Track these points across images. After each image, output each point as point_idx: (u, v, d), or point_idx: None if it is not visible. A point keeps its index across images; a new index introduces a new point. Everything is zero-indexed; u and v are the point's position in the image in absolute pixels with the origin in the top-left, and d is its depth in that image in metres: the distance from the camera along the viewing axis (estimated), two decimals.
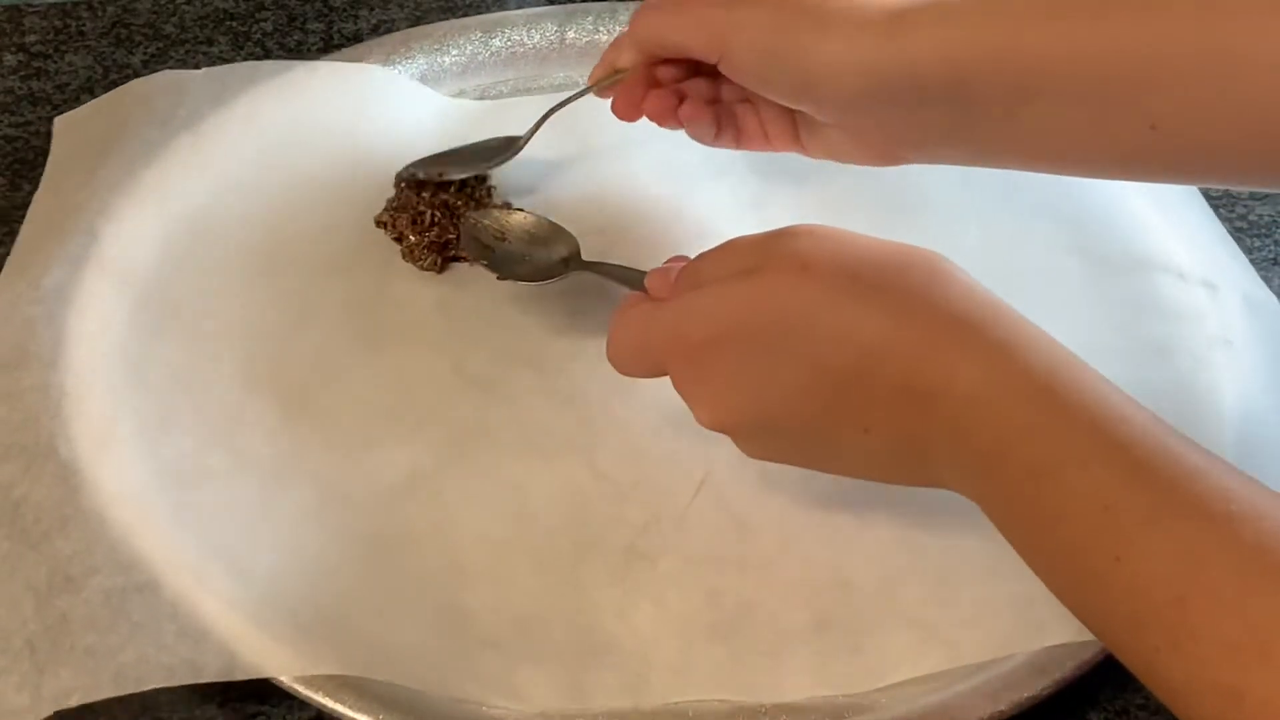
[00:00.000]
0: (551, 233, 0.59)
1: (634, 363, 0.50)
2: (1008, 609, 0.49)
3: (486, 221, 0.60)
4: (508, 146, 0.64)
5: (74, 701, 0.45)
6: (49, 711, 0.45)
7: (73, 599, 0.47)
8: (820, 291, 0.45)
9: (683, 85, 0.57)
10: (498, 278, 0.58)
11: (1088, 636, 0.46)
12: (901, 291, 0.45)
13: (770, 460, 0.50)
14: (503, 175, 0.64)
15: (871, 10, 0.50)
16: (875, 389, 0.44)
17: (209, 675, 0.46)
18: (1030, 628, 0.48)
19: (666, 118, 0.57)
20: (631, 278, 0.53)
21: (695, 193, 0.65)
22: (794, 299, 0.45)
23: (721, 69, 0.54)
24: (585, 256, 0.58)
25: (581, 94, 0.61)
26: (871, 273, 0.45)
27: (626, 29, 0.58)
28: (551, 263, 0.58)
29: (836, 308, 0.45)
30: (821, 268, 0.45)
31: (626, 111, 0.57)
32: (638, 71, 0.57)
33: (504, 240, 0.59)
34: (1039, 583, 0.47)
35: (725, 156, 0.65)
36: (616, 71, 0.58)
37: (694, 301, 0.48)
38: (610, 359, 0.51)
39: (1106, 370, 0.44)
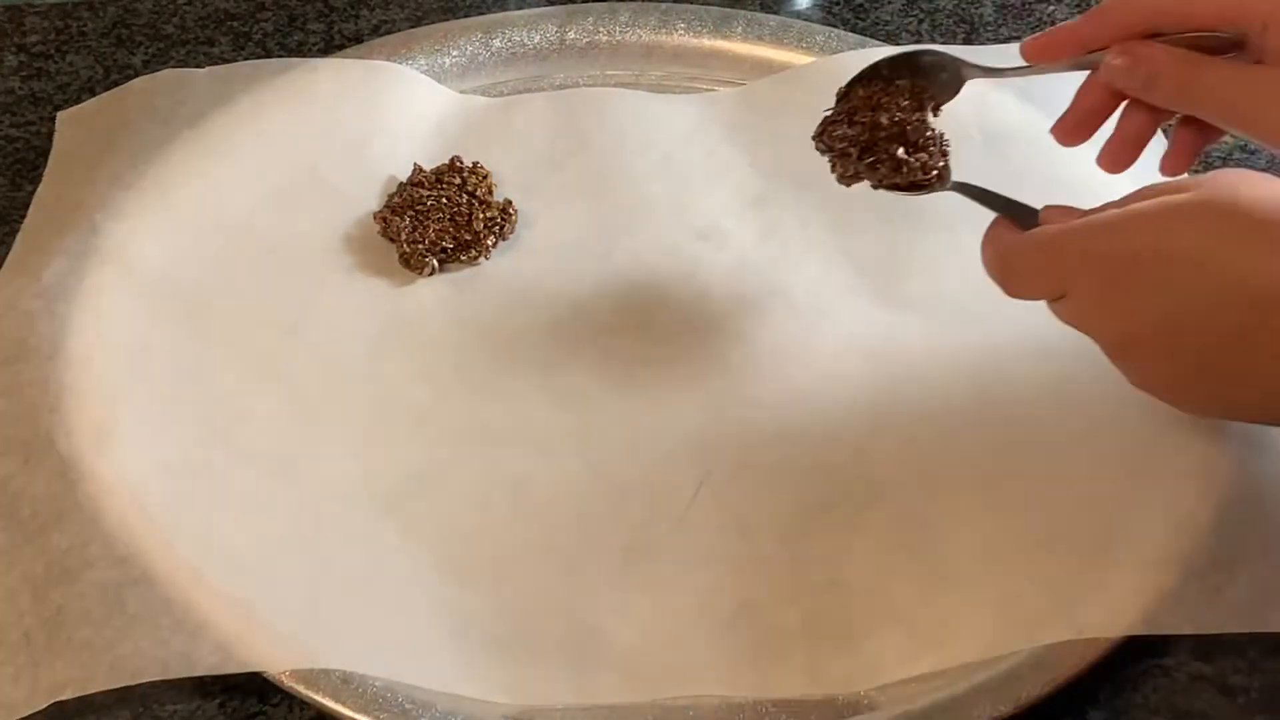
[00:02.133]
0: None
1: (1036, 279, 0.50)
2: (999, 610, 0.49)
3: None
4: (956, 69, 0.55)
5: (69, 693, 0.45)
6: (44, 703, 0.45)
7: (68, 591, 0.47)
8: (1249, 215, 0.45)
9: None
10: (873, 185, 0.54)
11: (1076, 635, 0.47)
12: None
13: (1158, 390, 0.49)
14: (500, 170, 0.64)
15: None
16: None
17: (203, 669, 0.45)
18: (1021, 628, 0.48)
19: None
20: (1021, 211, 0.51)
21: (695, 191, 0.65)
22: (1218, 225, 0.45)
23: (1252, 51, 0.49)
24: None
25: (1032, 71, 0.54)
26: None
27: None
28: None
29: (1266, 230, 0.44)
30: (1247, 201, 0.45)
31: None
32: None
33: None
34: (1031, 583, 0.48)
35: (726, 154, 0.65)
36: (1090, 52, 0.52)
37: (1116, 217, 0.47)
38: (1001, 277, 0.50)
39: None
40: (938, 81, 0.55)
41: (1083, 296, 0.48)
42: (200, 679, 0.46)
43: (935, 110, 0.55)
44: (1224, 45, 0.50)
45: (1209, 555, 0.48)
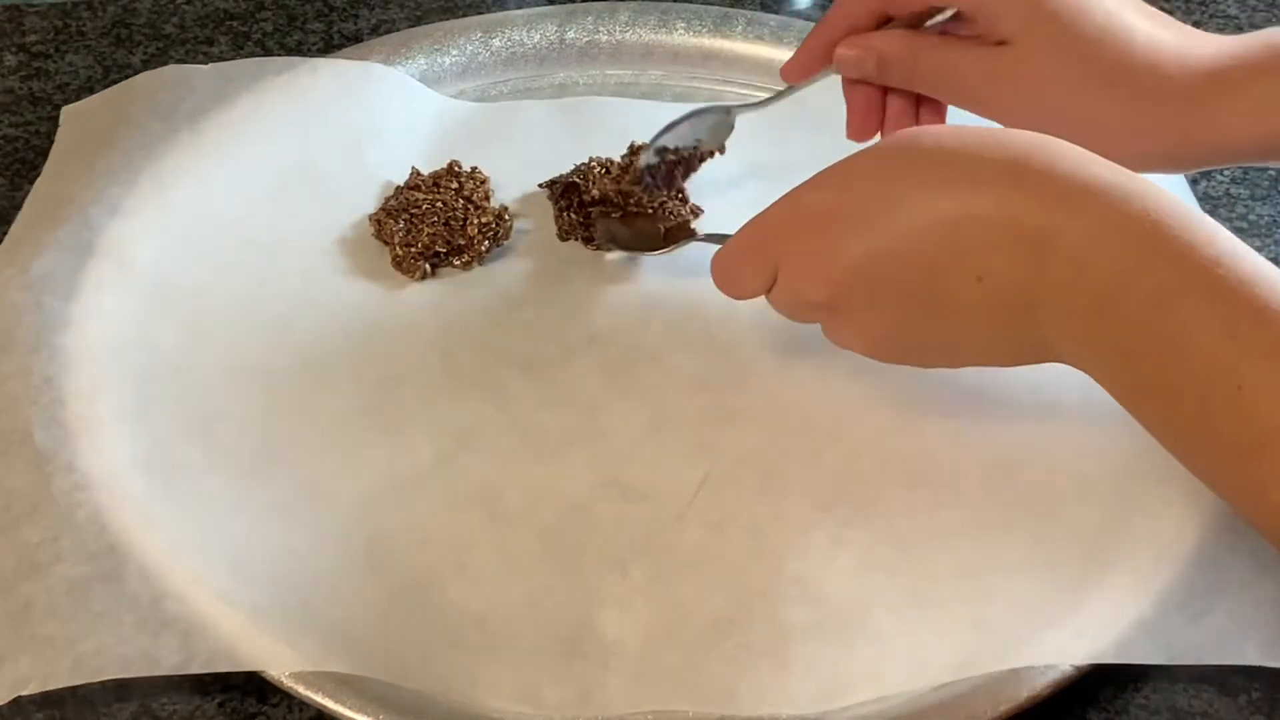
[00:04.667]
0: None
1: (744, 264, 0.51)
2: (974, 631, 0.48)
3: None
4: (724, 114, 0.63)
5: (31, 689, 0.44)
6: (6, 698, 0.44)
7: (36, 586, 0.47)
8: (933, 150, 0.46)
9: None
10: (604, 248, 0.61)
11: (1050, 660, 0.46)
12: (1019, 148, 0.45)
13: (871, 342, 0.50)
14: (498, 175, 0.64)
15: (1177, 77, 0.51)
16: (990, 232, 0.45)
17: (165, 668, 0.45)
18: (995, 650, 0.47)
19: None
20: None
21: (695, 191, 0.64)
22: (903, 163, 0.47)
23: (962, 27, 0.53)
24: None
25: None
26: (988, 137, 0.47)
27: None
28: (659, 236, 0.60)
29: (950, 160, 0.46)
30: (930, 139, 0.47)
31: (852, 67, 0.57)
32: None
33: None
34: (1007, 606, 0.48)
35: (724, 157, 0.64)
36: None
37: (803, 186, 0.49)
38: (716, 273, 0.52)
39: None
40: (711, 130, 0.62)
41: (789, 264, 0.50)
42: (200, 678, 0.46)
43: (711, 155, 0.63)
44: (952, 23, 0.54)
45: (1188, 585, 0.48)
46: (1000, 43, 0.52)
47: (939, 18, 0.54)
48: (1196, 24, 0.66)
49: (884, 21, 0.56)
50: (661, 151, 0.62)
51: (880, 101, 0.57)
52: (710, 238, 0.58)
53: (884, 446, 0.54)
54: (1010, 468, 0.53)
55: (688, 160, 0.63)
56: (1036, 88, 0.52)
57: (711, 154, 0.63)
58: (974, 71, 0.53)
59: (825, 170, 0.49)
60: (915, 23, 0.55)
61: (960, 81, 0.54)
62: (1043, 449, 0.53)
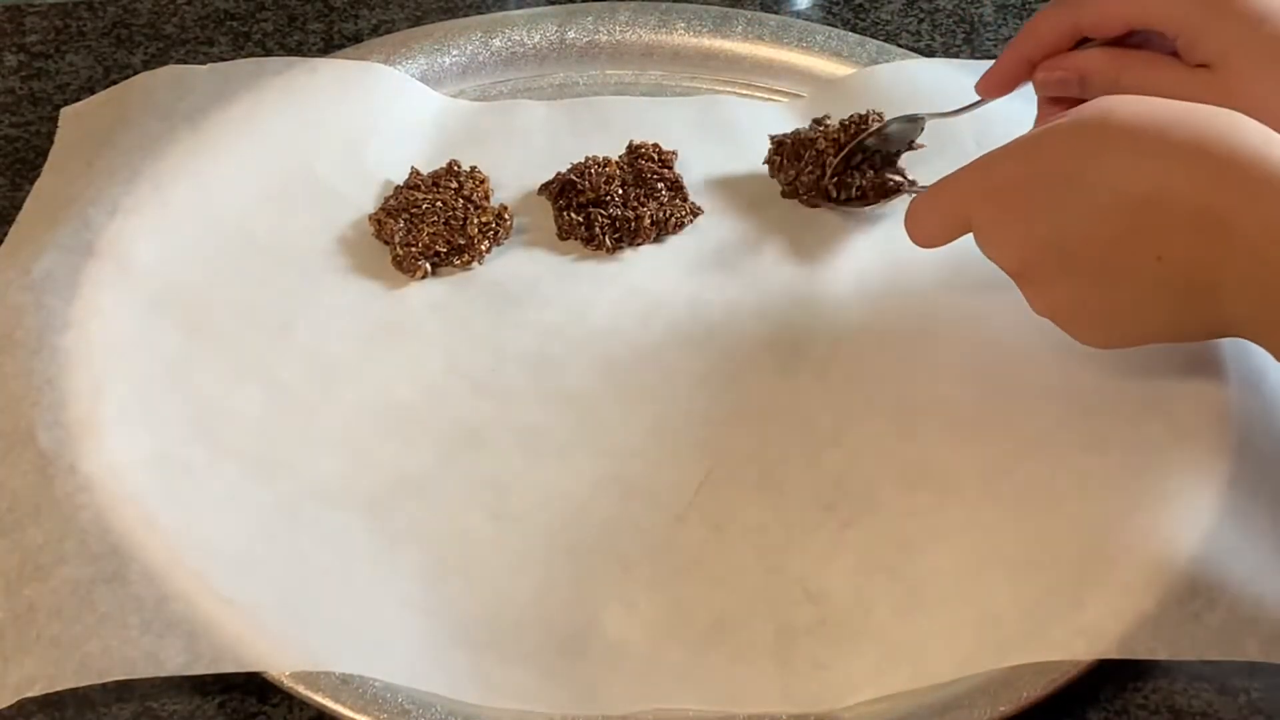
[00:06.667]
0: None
1: (934, 223, 0.53)
2: (975, 630, 0.48)
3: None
4: (913, 123, 0.63)
5: (37, 690, 0.44)
6: (11, 700, 0.44)
7: (40, 588, 0.47)
8: (1120, 128, 0.47)
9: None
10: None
11: (1049, 657, 0.46)
12: (1203, 130, 0.46)
13: (1061, 314, 0.51)
14: (497, 175, 0.64)
15: None
16: (1170, 214, 0.46)
17: (170, 669, 0.45)
18: (995, 649, 0.47)
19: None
20: None
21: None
22: (1094, 139, 0.47)
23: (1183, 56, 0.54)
24: None
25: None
26: (1171, 118, 0.47)
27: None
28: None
29: (1136, 140, 0.47)
30: (1120, 115, 0.47)
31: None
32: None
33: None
34: (1009, 604, 0.48)
35: (724, 156, 0.64)
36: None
37: (995, 153, 0.50)
38: (910, 229, 0.53)
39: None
40: (896, 138, 0.63)
41: (981, 229, 0.51)
42: (200, 678, 0.46)
43: (901, 153, 0.63)
44: (1146, 43, 0.56)
45: (1190, 582, 0.48)
46: (1201, 65, 0.53)
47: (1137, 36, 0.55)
48: None
49: (1080, 42, 0.57)
50: (861, 150, 0.62)
51: (1026, 73, 0.59)
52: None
53: (884, 447, 0.54)
54: (1010, 466, 0.53)
55: (887, 156, 0.63)
56: (1246, 111, 0.51)
57: (903, 151, 0.64)
58: (1181, 94, 0.52)
59: (1019, 139, 0.50)
60: (1113, 44, 0.56)
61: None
62: (1042, 447, 0.53)
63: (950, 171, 0.52)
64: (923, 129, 0.62)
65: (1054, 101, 0.58)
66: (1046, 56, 0.57)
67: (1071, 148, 0.48)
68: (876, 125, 0.62)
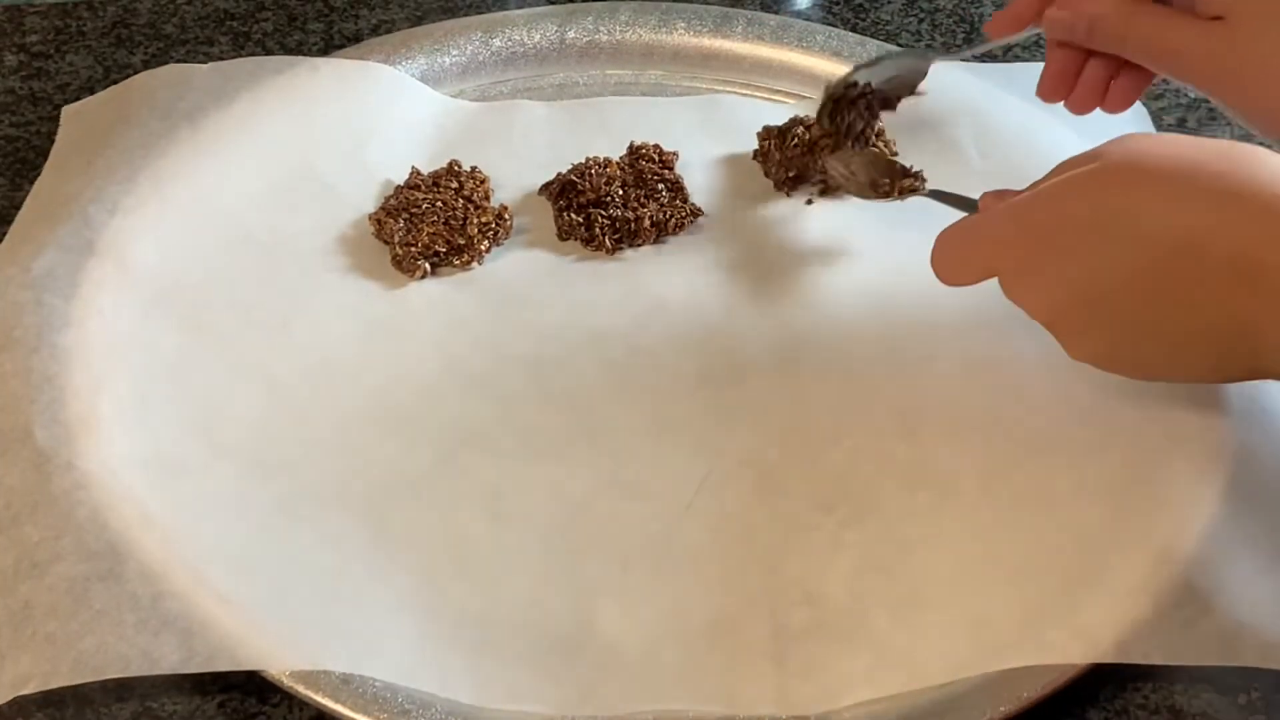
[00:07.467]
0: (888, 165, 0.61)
1: (961, 266, 0.52)
2: (968, 633, 0.48)
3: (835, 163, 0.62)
4: (920, 59, 0.63)
5: (32, 688, 0.44)
6: (8, 696, 0.44)
7: (36, 585, 0.47)
8: (1149, 178, 0.46)
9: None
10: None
11: (1044, 660, 0.46)
12: (1229, 177, 0.46)
13: (1099, 360, 0.50)
14: (498, 175, 0.64)
15: None
16: (1203, 266, 0.45)
17: (165, 667, 0.45)
18: (989, 651, 0.47)
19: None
20: (965, 204, 0.55)
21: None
22: (1123, 186, 0.47)
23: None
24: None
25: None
26: (1199, 161, 0.46)
27: None
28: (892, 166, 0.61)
29: (1165, 191, 0.46)
30: (1150, 159, 0.47)
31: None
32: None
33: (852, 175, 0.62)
34: (1005, 607, 0.48)
35: (725, 155, 0.65)
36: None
37: (1024, 200, 0.49)
38: (936, 267, 0.52)
39: None
40: (907, 71, 0.61)
41: (1009, 275, 0.50)
42: (200, 678, 0.46)
43: (907, 95, 0.62)
44: None
45: (1186, 587, 0.48)
46: (1215, 17, 0.52)
47: None
48: None
49: None
50: (851, 86, 0.62)
51: (1078, 66, 0.58)
52: (936, 194, 0.58)
53: (883, 448, 0.54)
54: (1009, 469, 0.53)
55: (884, 99, 0.63)
56: (1257, 65, 0.52)
57: (903, 95, 0.63)
58: (1191, 44, 0.53)
59: (1046, 187, 0.49)
60: None
61: (1174, 53, 0.54)
62: (1041, 450, 0.53)
63: (956, 188, 0.52)
64: (926, 72, 0.61)
65: (1061, 45, 0.57)
66: None
67: (1100, 197, 0.47)
68: (864, 62, 0.61)
